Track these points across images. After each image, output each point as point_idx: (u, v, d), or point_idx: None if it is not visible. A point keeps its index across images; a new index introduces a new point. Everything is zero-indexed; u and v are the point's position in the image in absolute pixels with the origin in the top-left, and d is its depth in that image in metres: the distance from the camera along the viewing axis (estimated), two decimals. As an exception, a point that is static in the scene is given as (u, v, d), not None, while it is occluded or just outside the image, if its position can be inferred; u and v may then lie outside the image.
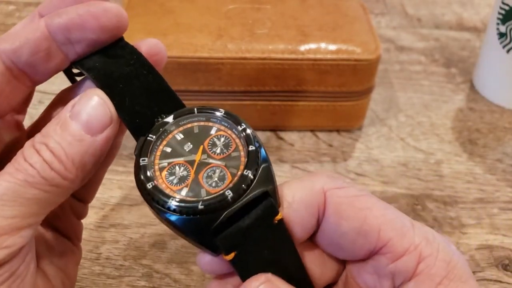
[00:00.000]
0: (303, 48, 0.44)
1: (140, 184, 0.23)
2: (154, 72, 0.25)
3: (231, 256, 0.22)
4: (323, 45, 0.44)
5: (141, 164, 0.23)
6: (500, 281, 0.38)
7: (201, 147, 0.24)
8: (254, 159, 0.23)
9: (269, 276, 0.22)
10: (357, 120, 0.49)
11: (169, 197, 0.22)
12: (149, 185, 0.22)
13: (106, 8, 0.24)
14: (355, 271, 0.24)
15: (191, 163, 0.23)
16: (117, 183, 0.43)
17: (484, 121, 0.51)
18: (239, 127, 0.24)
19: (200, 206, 0.22)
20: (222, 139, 0.24)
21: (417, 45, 0.61)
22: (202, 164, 0.23)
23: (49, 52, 0.24)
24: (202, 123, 0.25)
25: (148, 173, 0.23)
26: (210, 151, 0.24)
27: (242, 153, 0.24)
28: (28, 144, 0.23)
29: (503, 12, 0.49)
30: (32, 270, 0.23)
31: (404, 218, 0.23)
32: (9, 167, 0.22)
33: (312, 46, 0.44)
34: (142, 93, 0.24)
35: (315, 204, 0.23)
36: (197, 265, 0.24)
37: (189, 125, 0.25)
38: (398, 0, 0.68)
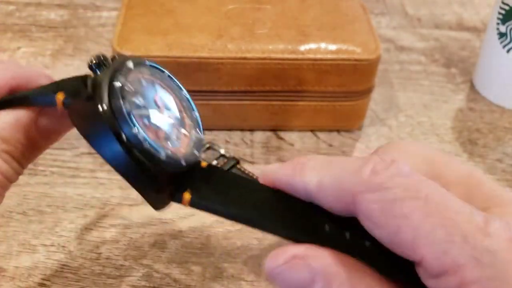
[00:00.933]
0: (303, 48, 0.44)
1: (117, 107, 0.20)
2: None
3: (187, 196, 0.22)
4: (323, 45, 0.44)
5: (116, 87, 0.21)
6: (500, 281, 0.38)
7: (157, 104, 0.23)
8: (199, 123, 0.25)
9: (304, 248, 0.20)
10: (357, 120, 0.49)
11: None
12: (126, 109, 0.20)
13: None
14: None
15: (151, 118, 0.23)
16: (117, 183, 0.43)
17: (484, 121, 0.51)
18: (182, 90, 0.25)
19: (162, 157, 0.21)
20: (167, 99, 0.24)
21: (417, 45, 0.61)
22: (160, 121, 0.23)
23: None
24: (147, 77, 0.24)
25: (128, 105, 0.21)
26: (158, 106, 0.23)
27: (183, 115, 0.24)
28: None
29: (503, 12, 0.49)
30: None
31: (458, 225, 0.18)
32: None
33: (312, 46, 0.44)
34: None
35: (342, 201, 0.20)
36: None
37: (138, 75, 0.23)
38: (398, 0, 0.68)
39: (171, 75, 0.25)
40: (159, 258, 0.38)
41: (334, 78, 0.45)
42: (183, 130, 0.24)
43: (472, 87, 0.55)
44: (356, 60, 0.44)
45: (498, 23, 0.50)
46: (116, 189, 0.43)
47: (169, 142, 0.22)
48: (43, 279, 0.37)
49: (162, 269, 0.37)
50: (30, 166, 0.44)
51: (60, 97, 0.22)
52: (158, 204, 0.23)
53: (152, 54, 0.42)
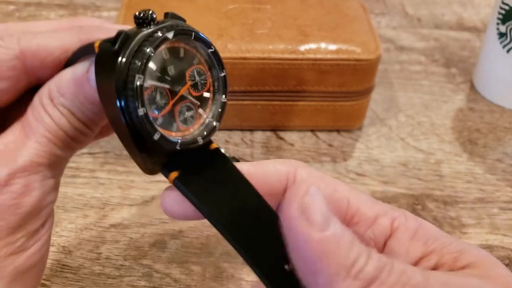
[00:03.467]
0: (303, 48, 0.44)
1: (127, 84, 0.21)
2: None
3: (174, 174, 0.22)
4: (323, 45, 0.44)
5: (143, 52, 0.21)
6: (500, 281, 0.38)
7: (187, 80, 0.23)
8: (222, 112, 0.24)
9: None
10: (357, 120, 0.49)
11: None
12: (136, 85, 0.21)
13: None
14: None
15: (174, 94, 0.23)
16: (117, 183, 0.43)
17: (484, 121, 0.51)
18: (220, 72, 0.24)
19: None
20: (201, 75, 0.24)
21: (417, 45, 0.61)
22: (182, 98, 0.23)
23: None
24: (188, 48, 0.23)
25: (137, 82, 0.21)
26: (190, 83, 0.23)
27: (210, 97, 0.24)
28: (49, 103, 0.24)
29: (503, 12, 0.49)
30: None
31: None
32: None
33: (312, 46, 0.44)
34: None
35: (283, 173, 0.24)
36: (161, 206, 0.24)
37: (176, 45, 0.23)
38: (398, 0, 0.68)
39: (217, 52, 0.24)
40: (159, 258, 0.38)
41: (334, 78, 0.45)
42: (200, 110, 0.24)
43: (472, 87, 0.55)
44: (356, 60, 0.44)
45: (498, 23, 0.50)
46: (116, 189, 0.43)
47: (178, 119, 0.23)
48: (43, 279, 0.37)
49: (162, 269, 0.37)
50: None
51: (97, 44, 0.22)
52: (146, 169, 0.23)
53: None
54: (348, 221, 0.24)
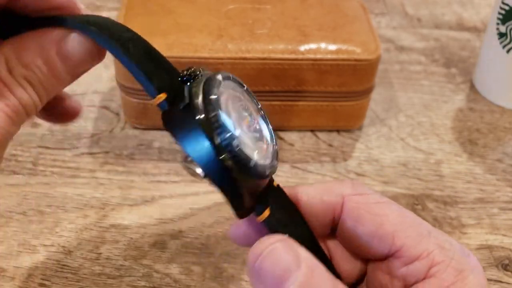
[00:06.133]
0: (303, 48, 0.44)
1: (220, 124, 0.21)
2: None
3: (266, 214, 0.23)
4: (323, 45, 0.44)
5: (212, 98, 0.22)
6: (500, 281, 0.38)
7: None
8: (273, 136, 0.25)
9: (286, 236, 0.22)
10: (357, 120, 0.49)
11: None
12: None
13: None
14: (371, 269, 0.26)
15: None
16: (117, 183, 0.43)
17: (484, 121, 0.51)
18: (258, 105, 0.25)
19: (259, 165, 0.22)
20: (250, 111, 0.25)
21: (417, 45, 0.61)
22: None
23: None
24: (234, 90, 0.24)
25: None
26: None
27: (265, 127, 0.25)
28: (8, 75, 0.22)
29: (503, 12, 0.49)
30: None
31: (422, 226, 0.24)
32: None
33: (312, 46, 0.44)
34: None
35: (331, 208, 0.25)
36: (229, 238, 0.26)
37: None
38: (398, 0, 0.68)
39: (248, 89, 0.25)
40: (159, 258, 0.38)
41: (334, 78, 0.45)
42: (262, 142, 0.24)
43: (472, 87, 0.55)
44: (356, 60, 0.44)
45: (498, 23, 0.50)
46: (116, 189, 0.43)
47: (255, 153, 0.23)
48: (43, 279, 0.37)
49: (162, 269, 0.37)
50: (30, 166, 0.44)
51: (162, 96, 0.22)
52: (240, 211, 0.23)
53: (152, 54, 0.42)
54: (392, 253, 0.24)
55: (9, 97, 0.22)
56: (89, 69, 0.25)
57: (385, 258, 0.24)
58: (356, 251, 0.26)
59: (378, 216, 0.24)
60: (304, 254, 0.21)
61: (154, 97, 0.22)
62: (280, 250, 0.21)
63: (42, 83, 0.23)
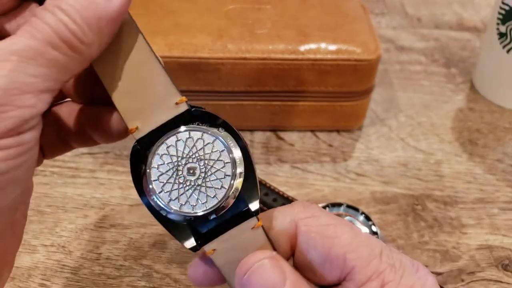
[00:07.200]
0: (303, 48, 0.44)
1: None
2: None
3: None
4: (323, 45, 0.44)
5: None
6: (500, 281, 0.38)
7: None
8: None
9: (274, 253, 0.23)
10: (357, 120, 0.49)
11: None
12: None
13: None
14: None
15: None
16: (117, 183, 0.43)
17: (484, 121, 0.51)
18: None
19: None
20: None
21: (417, 45, 0.61)
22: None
23: None
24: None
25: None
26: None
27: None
28: (40, 8, 0.21)
29: (503, 12, 0.49)
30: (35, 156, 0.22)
31: (375, 245, 0.24)
32: (25, 29, 0.21)
33: (312, 46, 0.44)
34: None
35: (286, 234, 0.25)
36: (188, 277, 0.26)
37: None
38: (398, 0, 0.68)
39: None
40: (159, 258, 0.38)
41: (334, 78, 0.45)
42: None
43: (472, 87, 0.55)
44: (356, 60, 0.44)
45: (498, 23, 0.50)
46: (116, 189, 0.43)
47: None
48: (43, 279, 0.37)
49: (162, 269, 0.37)
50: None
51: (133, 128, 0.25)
52: (182, 240, 0.25)
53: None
54: (344, 276, 0.24)
55: (37, 23, 0.21)
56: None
57: (339, 282, 0.24)
58: (312, 278, 0.25)
59: (330, 238, 0.24)
60: (289, 270, 0.23)
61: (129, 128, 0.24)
62: (267, 267, 0.22)
63: (74, 6, 0.21)
